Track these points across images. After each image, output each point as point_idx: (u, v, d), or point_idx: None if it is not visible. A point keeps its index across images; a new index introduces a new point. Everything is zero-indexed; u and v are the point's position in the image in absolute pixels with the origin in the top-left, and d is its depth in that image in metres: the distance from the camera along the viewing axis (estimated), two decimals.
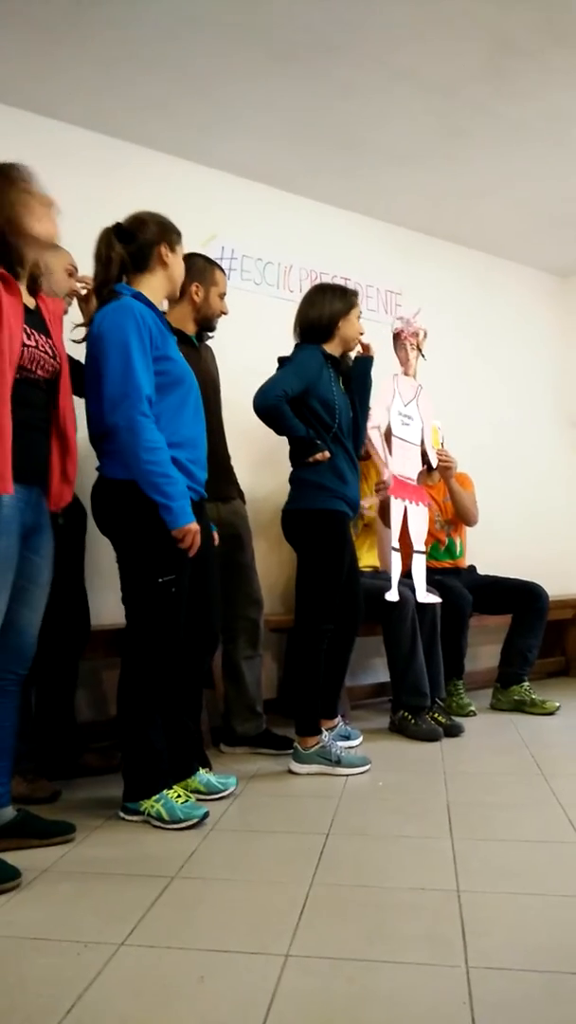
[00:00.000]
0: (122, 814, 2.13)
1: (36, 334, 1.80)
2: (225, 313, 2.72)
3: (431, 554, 3.59)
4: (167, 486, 2.02)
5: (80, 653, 2.55)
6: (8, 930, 1.49)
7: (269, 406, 2.54)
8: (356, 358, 2.82)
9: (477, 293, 4.50)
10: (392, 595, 3.00)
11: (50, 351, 1.84)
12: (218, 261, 2.79)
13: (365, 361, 2.82)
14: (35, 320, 1.83)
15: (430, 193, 3.84)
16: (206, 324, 2.71)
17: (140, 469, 2.02)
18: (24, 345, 1.74)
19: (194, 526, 2.06)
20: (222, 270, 2.72)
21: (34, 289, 1.89)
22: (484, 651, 4.12)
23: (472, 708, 3.44)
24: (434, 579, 3.35)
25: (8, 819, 1.89)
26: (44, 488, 1.90)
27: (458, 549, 3.74)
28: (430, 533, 3.46)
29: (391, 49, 2.75)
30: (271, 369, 2.68)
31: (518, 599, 3.60)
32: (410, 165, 3.56)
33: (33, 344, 1.78)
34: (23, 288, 1.82)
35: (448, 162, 3.54)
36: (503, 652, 3.63)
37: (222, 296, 2.69)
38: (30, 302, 1.85)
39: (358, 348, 2.83)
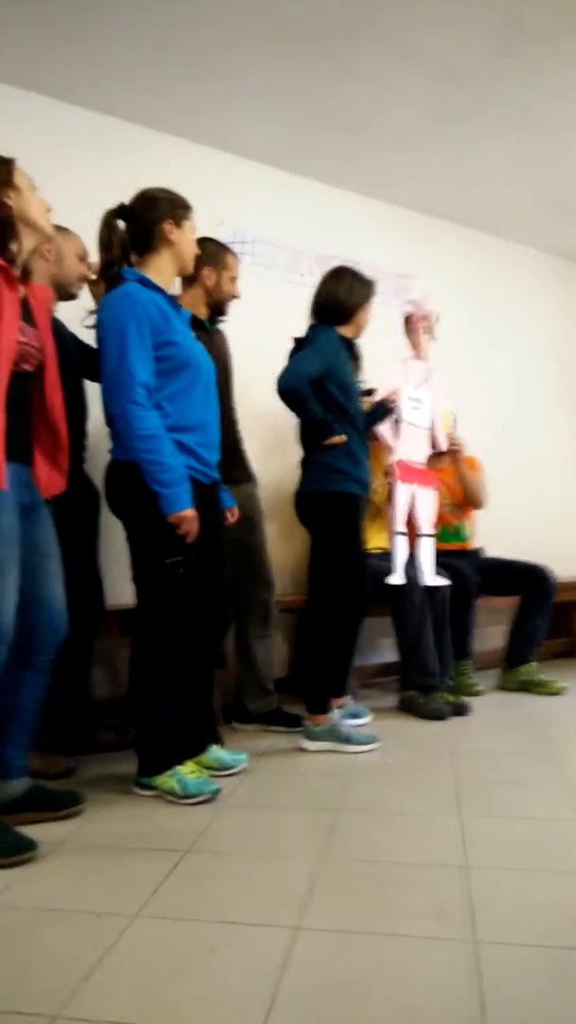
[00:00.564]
0: (136, 789, 2.18)
1: (27, 328, 1.81)
2: (237, 297, 2.72)
3: (439, 537, 3.60)
4: (159, 473, 2.03)
5: (95, 632, 2.58)
6: (25, 901, 1.53)
7: (295, 388, 2.53)
8: (379, 405, 2.94)
9: (484, 275, 4.47)
10: (395, 579, 3.01)
11: (37, 343, 1.85)
12: (229, 245, 2.78)
13: (385, 412, 2.96)
14: (24, 312, 1.84)
15: (438, 175, 3.80)
16: (218, 308, 2.71)
17: (135, 457, 2.04)
18: (17, 342, 1.76)
19: (189, 513, 2.06)
20: (234, 254, 2.71)
21: (24, 278, 1.89)
22: (491, 632, 4.13)
23: (479, 688, 3.46)
24: (441, 561, 3.36)
25: (22, 790, 1.93)
26: (33, 469, 1.91)
27: (466, 532, 3.75)
28: (439, 516, 3.47)
29: (400, 30, 2.72)
30: (282, 353, 2.68)
31: (525, 581, 3.61)
32: (418, 147, 3.52)
33: (25, 340, 1.79)
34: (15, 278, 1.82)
35: (456, 144, 3.50)
36: (510, 633, 3.65)
37: (234, 280, 2.69)
38: (20, 291, 1.85)
39: (384, 394, 2.92)
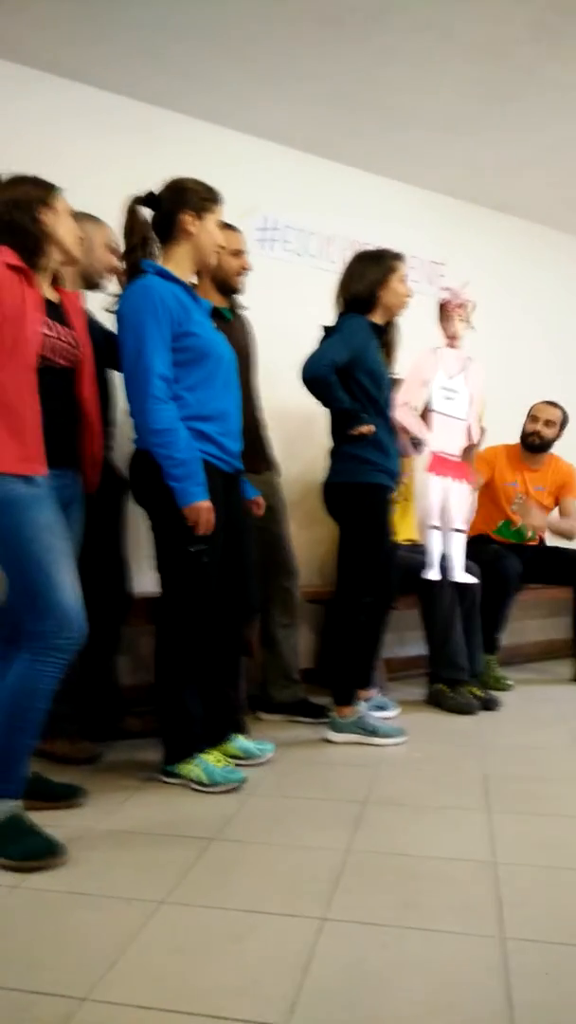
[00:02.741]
0: (161, 777, 2.18)
1: (57, 325, 1.86)
2: (246, 270, 2.65)
3: (499, 530, 3.63)
4: (171, 468, 2.04)
5: (122, 620, 2.59)
6: (55, 885, 1.54)
7: (318, 377, 2.50)
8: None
9: (522, 263, 4.39)
10: (431, 574, 2.98)
11: (72, 341, 1.90)
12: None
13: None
14: (57, 313, 1.90)
15: (476, 160, 3.74)
16: (225, 286, 2.64)
17: (151, 451, 2.06)
18: (44, 335, 1.80)
19: (203, 505, 2.06)
20: (232, 228, 2.62)
21: (56, 284, 1.96)
22: (532, 625, 4.10)
23: (508, 682, 3.43)
24: (493, 549, 3.39)
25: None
26: (76, 469, 1.97)
27: (528, 534, 3.72)
28: (503, 511, 3.60)
29: (441, 13, 2.67)
30: (313, 341, 2.65)
31: None
32: (456, 132, 3.47)
33: (54, 335, 1.84)
34: (44, 283, 1.89)
35: (494, 128, 3.44)
36: (573, 625, 3.66)
37: (236, 254, 2.61)
38: (53, 296, 1.92)
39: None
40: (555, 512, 3.67)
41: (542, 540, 3.80)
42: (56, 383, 1.86)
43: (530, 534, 3.71)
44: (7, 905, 1.46)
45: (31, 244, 1.82)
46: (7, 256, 1.78)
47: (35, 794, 1.93)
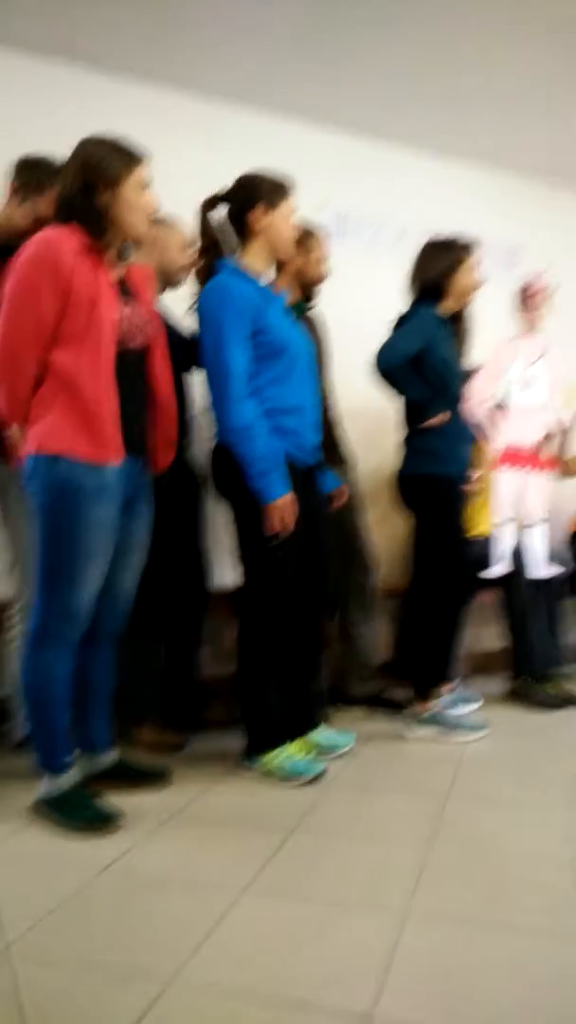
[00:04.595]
0: (243, 766, 2.21)
1: (125, 306, 1.85)
2: (325, 278, 2.66)
3: None
4: (250, 466, 2.06)
5: (202, 613, 2.63)
6: (137, 871, 1.58)
7: (392, 367, 2.48)
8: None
9: None
10: (493, 571, 2.91)
11: (142, 320, 1.89)
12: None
13: None
14: (125, 291, 1.88)
15: (554, 140, 3.62)
16: (306, 292, 2.66)
17: (230, 450, 2.08)
18: (118, 319, 1.80)
19: (280, 502, 2.07)
20: (320, 235, 2.64)
21: (122, 259, 1.91)
22: None
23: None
24: None
25: (109, 763, 2.01)
26: (144, 458, 1.97)
27: None
28: None
29: None
30: (385, 334, 2.62)
31: None
32: (532, 111, 3.37)
33: (127, 316, 1.83)
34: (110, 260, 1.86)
35: (572, 107, 3.31)
36: None
37: (321, 262, 2.63)
38: (118, 272, 1.89)
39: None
40: None
41: None
42: (130, 366, 1.85)
43: None
44: (96, 886, 1.51)
45: (95, 223, 1.76)
46: (77, 237, 1.74)
47: (120, 775, 2.00)
